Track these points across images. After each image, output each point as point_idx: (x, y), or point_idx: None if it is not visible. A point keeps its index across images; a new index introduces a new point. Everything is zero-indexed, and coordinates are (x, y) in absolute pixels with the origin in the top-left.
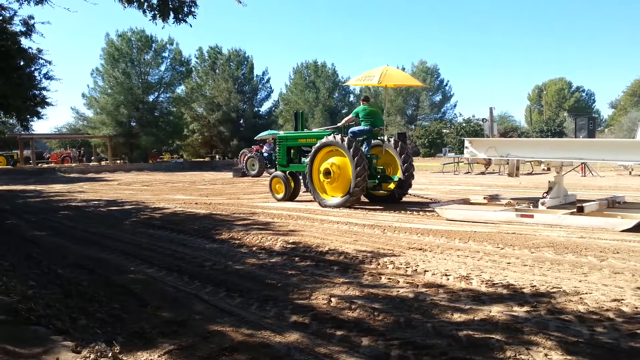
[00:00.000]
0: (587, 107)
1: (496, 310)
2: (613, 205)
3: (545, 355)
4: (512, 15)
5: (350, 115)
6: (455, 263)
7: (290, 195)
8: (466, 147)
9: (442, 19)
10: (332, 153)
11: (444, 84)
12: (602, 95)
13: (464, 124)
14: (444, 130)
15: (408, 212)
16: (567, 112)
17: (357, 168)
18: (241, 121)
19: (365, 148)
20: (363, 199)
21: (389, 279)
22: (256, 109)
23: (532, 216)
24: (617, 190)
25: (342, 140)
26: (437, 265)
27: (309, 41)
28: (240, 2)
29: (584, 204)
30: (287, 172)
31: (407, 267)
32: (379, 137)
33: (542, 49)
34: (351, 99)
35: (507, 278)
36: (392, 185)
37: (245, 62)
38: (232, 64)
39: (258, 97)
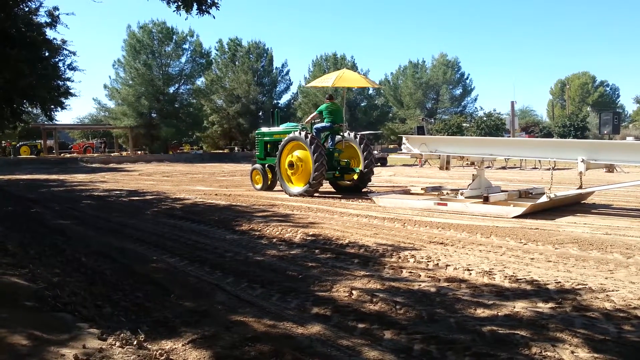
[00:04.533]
0: (611, 102)
1: (520, 306)
2: (525, 195)
3: (572, 352)
4: (535, 7)
5: (315, 113)
6: (478, 258)
7: (268, 186)
8: (403, 143)
9: (464, 11)
10: (296, 147)
11: (465, 77)
12: (627, 90)
13: (485, 118)
14: (464, 124)
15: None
16: (590, 106)
17: (316, 161)
18: (260, 113)
19: (330, 143)
20: (329, 188)
21: (410, 272)
22: (275, 101)
23: (445, 204)
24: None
25: (306, 136)
26: (459, 260)
27: (329, 33)
28: None
29: (490, 195)
30: (266, 165)
31: (428, 261)
32: (339, 133)
33: (565, 42)
34: (370, 91)
35: (531, 274)
36: (355, 176)
37: (265, 55)
38: (251, 56)
39: (277, 89)
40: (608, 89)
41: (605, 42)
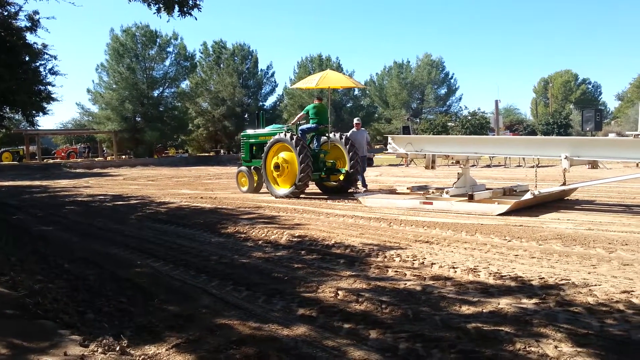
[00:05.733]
0: (593, 99)
1: (505, 303)
2: (510, 193)
3: (556, 347)
4: (518, 6)
5: (302, 113)
6: (463, 255)
7: (254, 188)
8: (389, 143)
9: (448, 11)
10: (282, 149)
11: (449, 77)
12: (609, 87)
13: (469, 117)
14: (449, 124)
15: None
16: (573, 104)
17: (302, 163)
18: (246, 115)
19: (315, 144)
20: (315, 189)
21: (395, 271)
22: (261, 103)
23: (431, 203)
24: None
25: (291, 137)
26: (444, 258)
27: (314, 35)
28: None
29: (475, 193)
30: (252, 167)
31: (414, 260)
32: (325, 134)
33: (548, 41)
34: (356, 92)
35: (515, 270)
36: (341, 177)
37: (250, 57)
38: (236, 58)
39: (262, 91)
40: (590, 86)
41: (587, 41)
